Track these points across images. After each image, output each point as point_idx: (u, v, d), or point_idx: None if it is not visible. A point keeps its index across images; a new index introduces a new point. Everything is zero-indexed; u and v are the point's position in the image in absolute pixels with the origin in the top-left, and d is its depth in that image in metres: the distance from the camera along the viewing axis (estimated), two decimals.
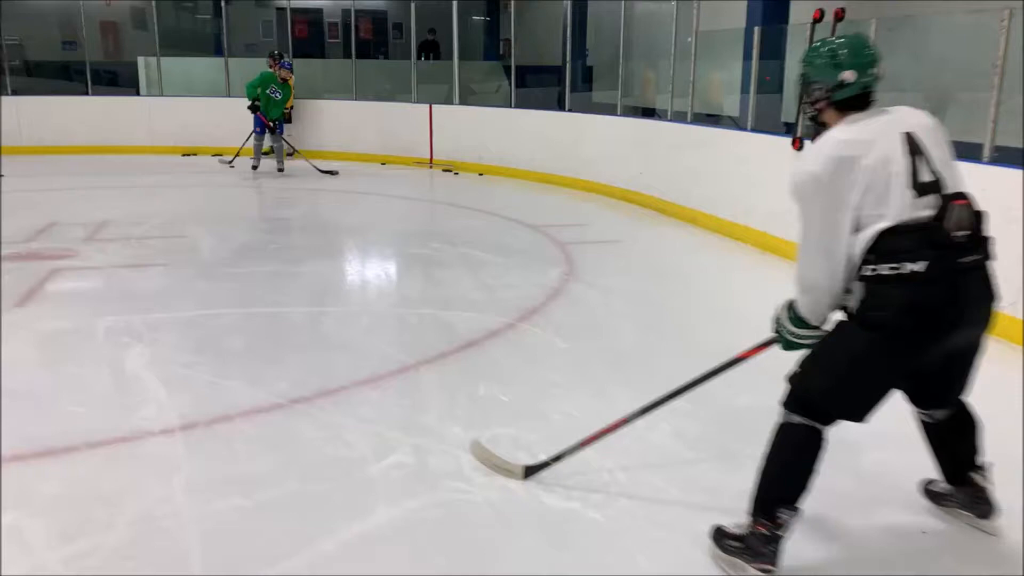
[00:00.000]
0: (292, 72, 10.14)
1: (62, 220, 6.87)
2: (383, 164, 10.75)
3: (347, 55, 12.05)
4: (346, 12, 13.60)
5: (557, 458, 2.71)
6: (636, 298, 5.02)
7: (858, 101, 2.14)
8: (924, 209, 1.98)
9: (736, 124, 7.08)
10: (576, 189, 8.87)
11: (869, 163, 1.99)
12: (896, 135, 2.03)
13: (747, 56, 6.74)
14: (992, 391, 2.56)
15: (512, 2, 10.48)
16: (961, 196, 2.01)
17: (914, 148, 2.02)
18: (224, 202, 8.41)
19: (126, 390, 3.46)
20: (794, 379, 2.17)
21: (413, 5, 11.35)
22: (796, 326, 2.22)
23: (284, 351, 3.97)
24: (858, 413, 2.11)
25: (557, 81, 11.01)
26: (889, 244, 1.97)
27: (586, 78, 11.98)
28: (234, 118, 9.92)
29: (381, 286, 5.50)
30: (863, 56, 2.13)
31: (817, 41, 2.25)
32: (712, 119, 8.01)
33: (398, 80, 11.69)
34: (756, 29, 6.51)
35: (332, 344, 4.10)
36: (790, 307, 2.23)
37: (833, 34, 5.11)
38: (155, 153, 11.22)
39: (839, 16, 5.14)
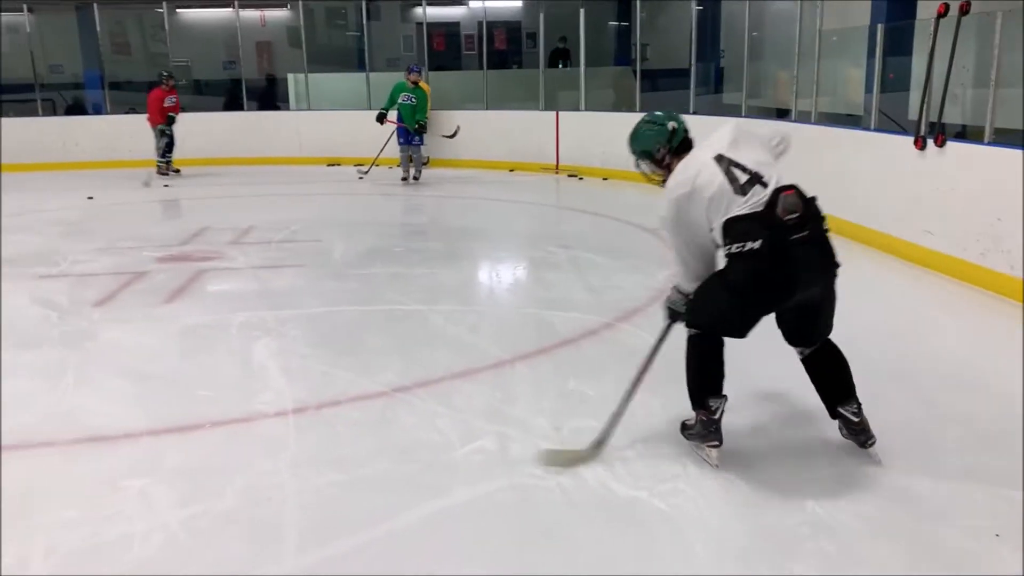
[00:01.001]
0: (421, 75, 10.40)
1: (213, 225, 7.53)
2: (511, 171, 11.04)
3: (482, 66, 12.45)
4: (481, 24, 14.01)
5: (616, 417, 2.97)
6: None
7: (685, 143, 2.84)
8: (755, 203, 2.54)
9: (860, 124, 6.85)
10: None
11: (703, 188, 2.61)
12: (709, 160, 2.65)
13: (871, 54, 6.52)
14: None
15: (638, 3, 10.51)
16: (789, 187, 2.57)
17: (724, 163, 2.62)
18: (360, 209, 8.92)
19: (250, 377, 3.83)
20: (693, 307, 2.85)
21: (542, 14, 11.60)
22: (678, 295, 2.92)
23: (393, 345, 4.25)
24: (736, 335, 2.77)
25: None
26: (736, 229, 2.57)
27: (719, 80, 11.84)
28: (374, 129, 10.47)
29: (491, 287, 5.73)
30: (669, 114, 2.90)
31: (639, 124, 2.94)
32: (838, 119, 7.76)
33: (529, 88, 11.96)
34: (880, 26, 6.29)
35: (437, 340, 4.34)
36: (675, 288, 2.93)
37: (958, 28, 4.92)
38: (302, 164, 12.01)
39: (964, 9, 4.93)
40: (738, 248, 2.57)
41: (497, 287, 5.75)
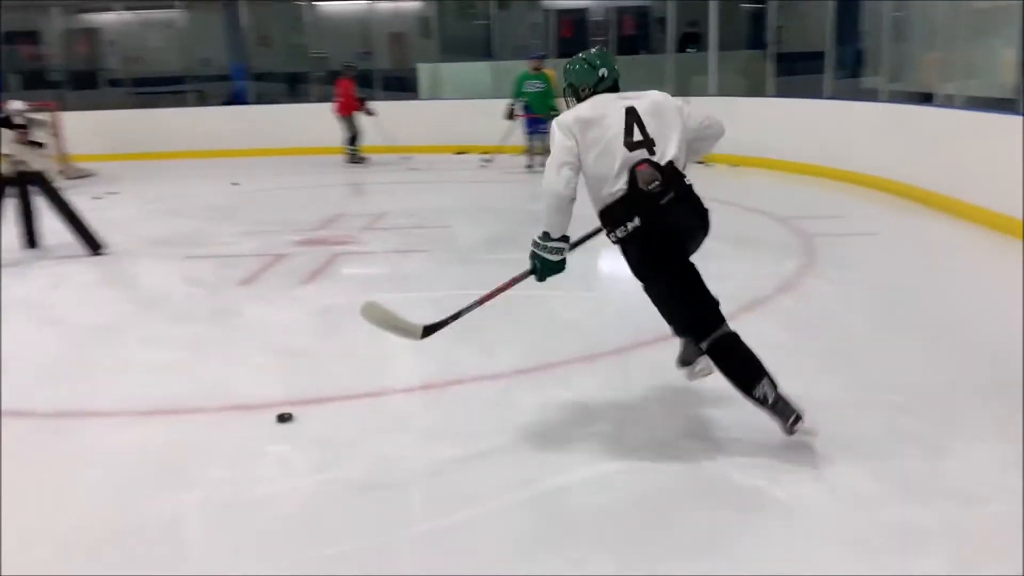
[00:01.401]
0: (543, 60, 10.24)
1: (349, 211, 7.87)
2: None
3: (614, 52, 12.40)
4: (609, 10, 13.94)
5: (455, 316, 3.11)
6: (880, 295, 4.80)
7: (610, 90, 2.95)
8: (622, 183, 2.77)
9: (1012, 108, 6.42)
10: (834, 179, 8.51)
11: (601, 125, 2.79)
12: (621, 109, 2.82)
13: None
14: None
15: None
16: (641, 163, 2.75)
17: (631, 117, 2.79)
18: (486, 196, 9.09)
19: (381, 355, 4.01)
20: (683, 334, 3.08)
21: None
22: (543, 240, 2.99)
23: (516, 328, 4.35)
24: (707, 307, 2.91)
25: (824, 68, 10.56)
26: (612, 217, 2.84)
27: (857, 63, 11.33)
28: (500, 118, 10.60)
29: (612, 273, 5.74)
30: (605, 59, 3.01)
31: (575, 59, 3.02)
32: (988, 103, 7.30)
33: (657, 74, 11.82)
34: None
35: (559, 324, 4.42)
36: (541, 235, 2.97)
37: None
38: (432, 152, 12.33)
39: None
40: (622, 232, 2.84)
41: (617, 273, 5.74)
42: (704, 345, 2.91)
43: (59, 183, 6.83)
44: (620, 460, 2.87)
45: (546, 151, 10.10)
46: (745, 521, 2.49)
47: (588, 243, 3.28)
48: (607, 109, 2.85)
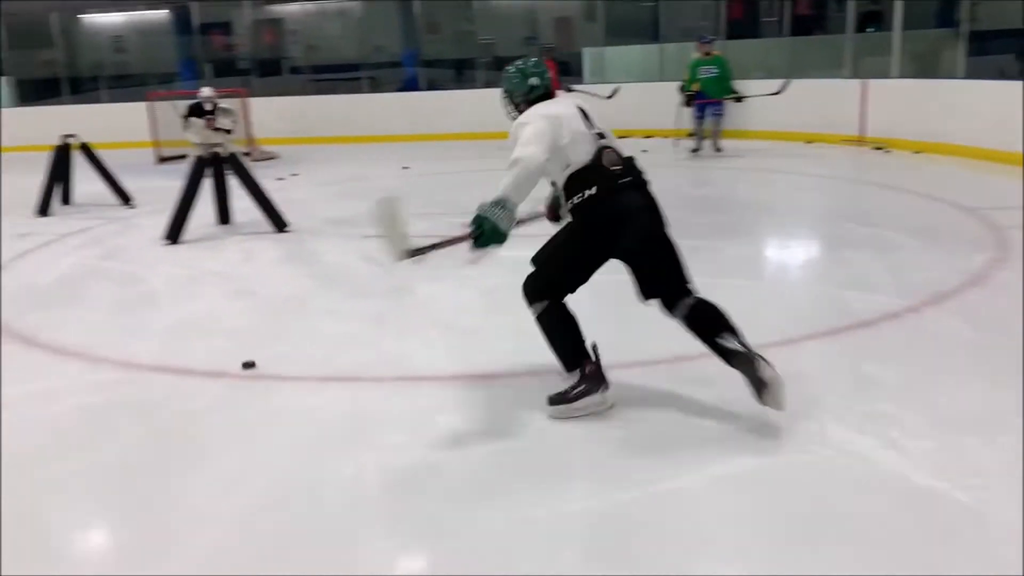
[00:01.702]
0: (712, 44, 10.02)
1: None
2: (808, 143, 10.52)
3: (782, 33, 11.92)
4: None
5: (434, 246, 3.34)
6: None
7: (541, 98, 3.18)
8: (587, 153, 2.99)
9: None
10: None
11: (562, 120, 3.00)
12: (572, 105, 3.12)
13: None
14: None
15: None
16: (608, 147, 3.04)
17: (584, 115, 3.09)
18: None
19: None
20: (532, 278, 3.33)
21: None
22: (496, 206, 2.95)
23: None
24: (575, 287, 3.21)
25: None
26: (575, 183, 3.03)
27: None
28: (665, 102, 10.44)
29: (781, 262, 5.58)
30: (539, 70, 3.22)
31: (511, 67, 3.25)
32: None
33: (833, 55, 11.27)
34: None
35: None
36: (495, 200, 2.95)
37: None
38: None
39: None
40: (579, 198, 3.02)
41: (787, 263, 5.59)
42: (537, 309, 3.26)
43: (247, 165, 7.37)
44: (790, 454, 2.81)
45: (718, 134, 9.91)
46: (923, 525, 2.38)
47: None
48: (560, 108, 3.08)
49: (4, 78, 16.71)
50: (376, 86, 15.41)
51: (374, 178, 9.86)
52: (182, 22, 16.72)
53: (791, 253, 5.82)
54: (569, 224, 3.19)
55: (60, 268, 6.04)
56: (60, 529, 2.62)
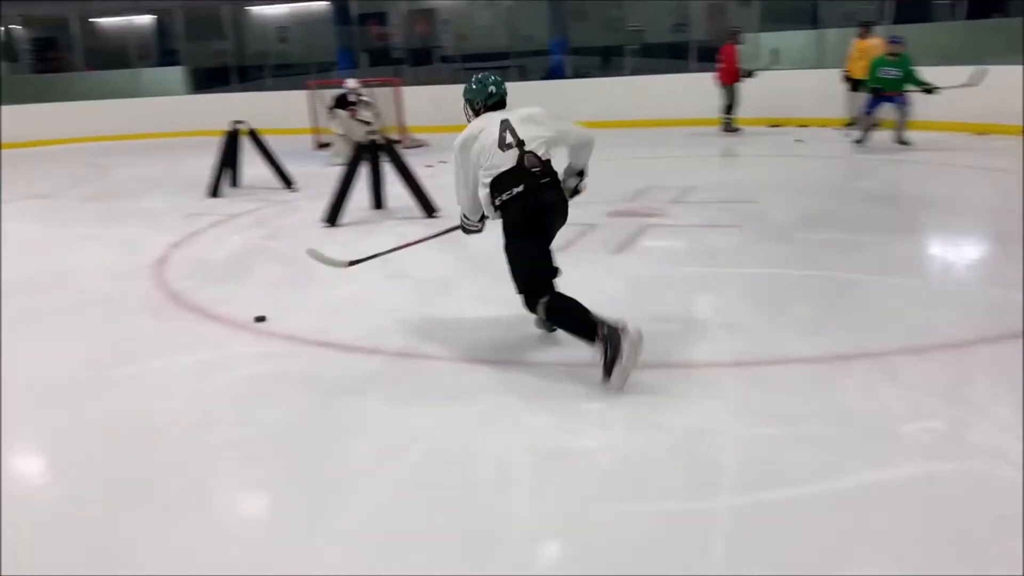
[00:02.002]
0: (902, 44, 9.29)
1: (656, 184, 7.94)
2: (978, 135, 9.82)
3: (954, 16, 11.14)
4: None
5: (376, 255, 4.46)
6: None
7: (497, 104, 3.75)
8: (511, 159, 3.50)
9: None
10: None
11: (482, 138, 3.57)
12: (497, 122, 3.59)
13: None
14: None
15: None
16: (529, 152, 3.50)
17: (504, 126, 3.55)
18: (802, 172, 8.69)
19: (691, 328, 4.06)
20: (520, 291, 3.65)
21: None
22: (465, 219, 3.92)
23: (834, 312, 4.16)
24: (550, 271, 3.61)
25: None
26: (500, 184, 3.51)
27: None
28: (823, 90, 10.00)
29: (949, 261, 5.26)
30: (497, 80, 3.79)
31: (473, 80, 3.82)
32: None
33: (1012, 40, 10.43)
34: None
35: (882, 311, 4.15)
36: (462, 215, 3.92)
37: None
38: (744, 124, 11.98)
39: None
40: (507, 195, 3.50)
41: (956, 262, 5.26)
42: (540, 310, 3.55)
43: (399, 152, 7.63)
44: (954, 461, 2.67)
45: (903, 125, 9.13)
46: None
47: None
48: (486, 123, 3.63)
49: (181, 67, 18.00)
50: (523, 74, 15.54)
51: None
52: (342, 12, 17.45)
53: (960, 251, 5.48)
54: (505, 227, 3.62)
55: (229, 246, 6.48)
56: (230, 488, 2.84)
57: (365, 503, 2.61)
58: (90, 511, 2.67)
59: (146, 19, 19.02)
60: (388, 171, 7.20)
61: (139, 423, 3.29)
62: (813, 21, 12.85)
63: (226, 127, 8.67)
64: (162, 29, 19.19)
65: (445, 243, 6.26)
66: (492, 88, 3.79)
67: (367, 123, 10.09)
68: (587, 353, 3.34)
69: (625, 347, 3.19)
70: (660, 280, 4.93)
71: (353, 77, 11.37)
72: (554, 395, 3.33)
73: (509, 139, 3.55)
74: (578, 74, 14.77)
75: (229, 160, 8.72)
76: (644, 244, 5.83)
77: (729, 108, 11.08)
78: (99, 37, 18.86)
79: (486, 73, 3.85)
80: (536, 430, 3.03)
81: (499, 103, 3.78)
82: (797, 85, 11.39)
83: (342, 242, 6.28)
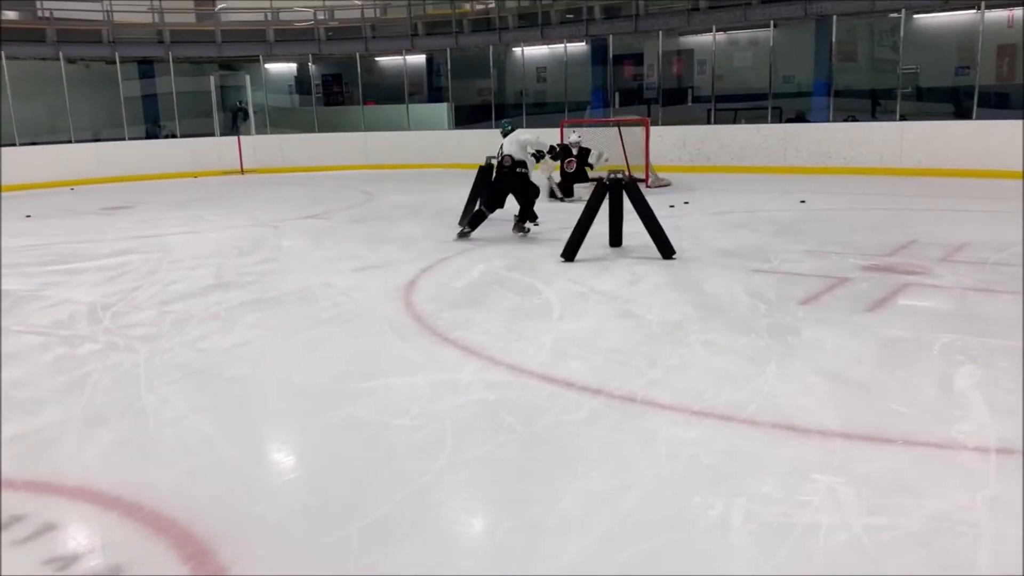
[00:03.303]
0: None
1: (923, 239, 7.27)
2: None
3: None
4: None
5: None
6: None
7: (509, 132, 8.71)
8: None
9: None
10: None
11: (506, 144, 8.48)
12: (501, 144, 8.46)
13: None
14: None
15: None
16: (507, 156, 8.23)
17: (500, 148, 8.43)
18: None
19: (950, 403, 3.64)
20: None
21: None
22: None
23: None
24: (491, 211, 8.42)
25: None
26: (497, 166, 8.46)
27: None
28: None
29: None
30: (506, 124, 9.03)
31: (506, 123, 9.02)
32: None
33: None
34: None
35: None
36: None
37: None
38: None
39: None
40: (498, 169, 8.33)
41: None
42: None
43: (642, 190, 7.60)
44: None
45: None
46: None
47: None
48: (505, 140, 8.41)
49: (446, 104, 19.30)
50: (779, 117, 15.00)
51: (768, 210, 9.59)
52: (598, 53, 17.87)
53: None
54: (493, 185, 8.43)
55: (472, 274, 6.77)
56: (447, 511, 2.91)
57: (569, 550, 2.56)
58: (313, 515, 2.85)
59: (419, 58, 20.64)
60: (628, 209, 7.20)
61: (372, 434, 3.50)
62: None
63: (481, 161, 9.13)
64: (432, 67, 20.73)
65: (679, 284, 6.19)
66: (508, 127, 8.71)
67: (583, 177, 10.82)
68: (832, 420, 3.07)
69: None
70: (918, 344, 4.48)
71: (604, 115, 11.57)
72: (780, 461, 3.10)
73: (501, 152, 8.25)
74: (844, 118, 13.99)
75: (480, 193, 9.16)
76: (903, 304, 5.35)
77: None
78: (377, 74, 20.73)
79: (506, 120, 7.85)
80: (758, 496, 2.83)
81: (510, 132, 8.52)
82: None
83: (577, 277, 6.36)
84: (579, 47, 18.02)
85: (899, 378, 3.99)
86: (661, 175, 12.53)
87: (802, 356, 4.34)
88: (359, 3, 20.24)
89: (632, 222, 7.21)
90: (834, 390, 3.83)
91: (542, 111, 18.32)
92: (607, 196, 7.19)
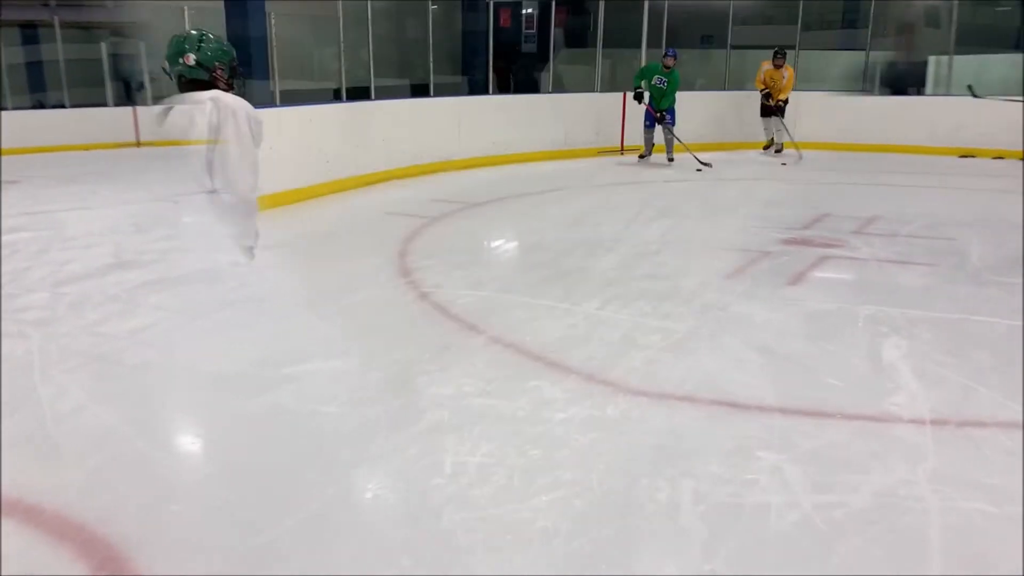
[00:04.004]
0: (676, 59, 10.21)
1: (835, 212, 7.42)
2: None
3: None
4: None
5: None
6: None
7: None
8: None
9: None
10: None
11: None
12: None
13: None
14: None
15: None
16: None
17: None
18: (1005, 207, 7.89)
19: (880, 375, 3.66)
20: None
21: None
22: None
23: None
24: None
25: None
26: None
27: None
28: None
29: None
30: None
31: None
32: None
33: None
34: None
35: None
36: None
37: None
38: (931, 154, 11.13)
39: None
40: None
41: None
42: None
43: None
44: None
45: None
46: None
47: None
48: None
49: None
50: None
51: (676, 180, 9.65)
52: None
53: None
54: None
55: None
56: (383, 505, 2.74)
57: (516, 541, 2.43)
58: (236, 514, 2.63)
59: None
60: None
61: (298, 423, 3.28)
62: (1018, 45, 11.79)
63: None
64: None
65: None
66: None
67: None
68: (769, 396, 3.03)
69: None
70: (842, 317, 4.51)
71: None
72: (723, 440, 3.04)
73: None
74: None
75: None
76: (824, 276, 5.41)
77: None
78: None
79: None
80: (707, 477, 2.75)
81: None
82: (1006, 115, 10.44)
83: None
84: None
85: (829, 351, 4.00)
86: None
87: (734, 331, 4.30)
88: None
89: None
90: (769, 364, 3.80)
91: None
92: None
